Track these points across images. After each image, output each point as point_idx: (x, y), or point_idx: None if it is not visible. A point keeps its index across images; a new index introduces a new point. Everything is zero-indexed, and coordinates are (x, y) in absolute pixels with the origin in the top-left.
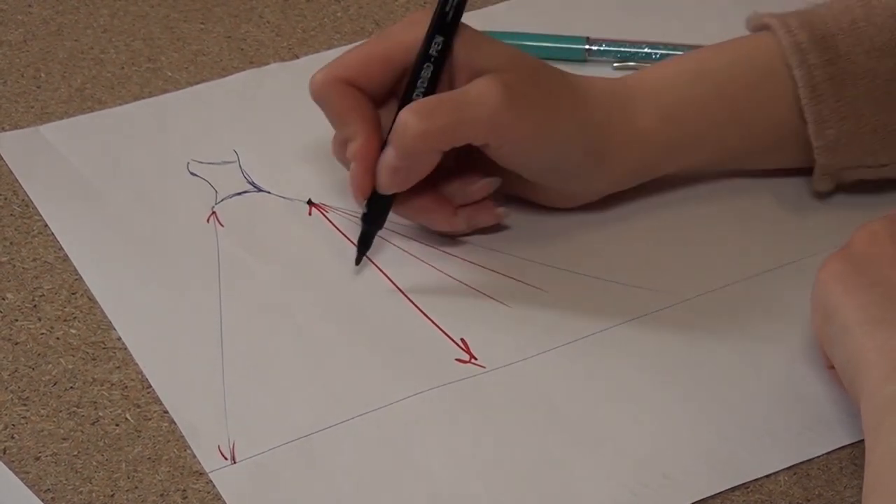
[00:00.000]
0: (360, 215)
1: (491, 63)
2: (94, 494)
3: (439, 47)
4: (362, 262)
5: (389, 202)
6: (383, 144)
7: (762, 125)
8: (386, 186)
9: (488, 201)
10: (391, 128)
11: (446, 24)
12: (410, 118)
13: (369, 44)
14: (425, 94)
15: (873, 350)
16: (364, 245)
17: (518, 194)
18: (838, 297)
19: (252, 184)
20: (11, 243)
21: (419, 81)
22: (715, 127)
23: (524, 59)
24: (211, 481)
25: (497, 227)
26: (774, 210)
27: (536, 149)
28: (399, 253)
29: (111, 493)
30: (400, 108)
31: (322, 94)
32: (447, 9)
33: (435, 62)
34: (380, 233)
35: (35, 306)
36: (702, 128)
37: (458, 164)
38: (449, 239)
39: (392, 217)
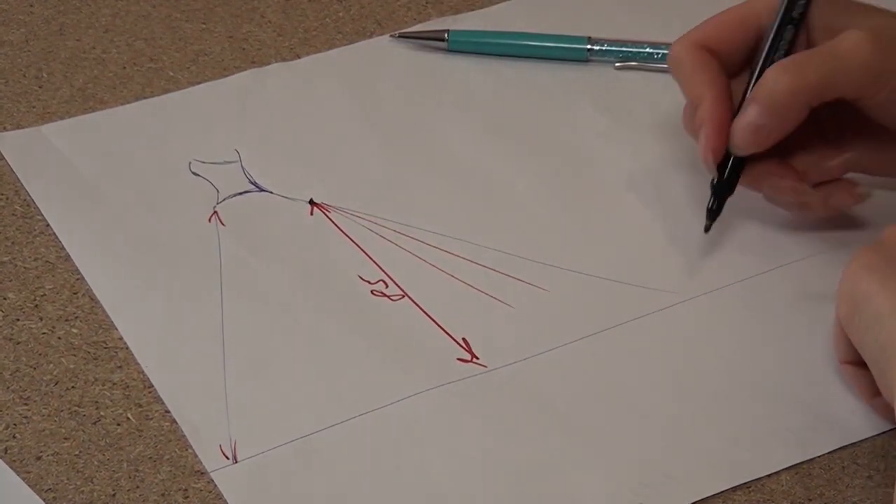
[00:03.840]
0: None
1: (853, 21)
2: (95, 494)
3: (802, 9)
4: (363, 261)
5: (740, 167)
6: (734, 113)
7: None
8: (745, 145)
9: (847, 181)
10: (743, 97)
11: None
12: (780, 73)
13: (726, 10)
14: (786, 56)
15: None
16: (715, 213)
17: (870, 172)
18: (871, 286)
19: (254, 183)
20: (13, 243)
21: (780, 43)
22: None
23: (886, 14)
24: (212, 481)
25: (497, 225)
26: (776, 210)
27: None
28: (400, 252)
29: (112, 492)
30: (755, 72)
31: (676, 58)
32: None
33: (796, 24)
34: (380, 232)
35: (36, 306)
36: None
37: (810, 139)
38: (450, 238)
39: (392, 215)
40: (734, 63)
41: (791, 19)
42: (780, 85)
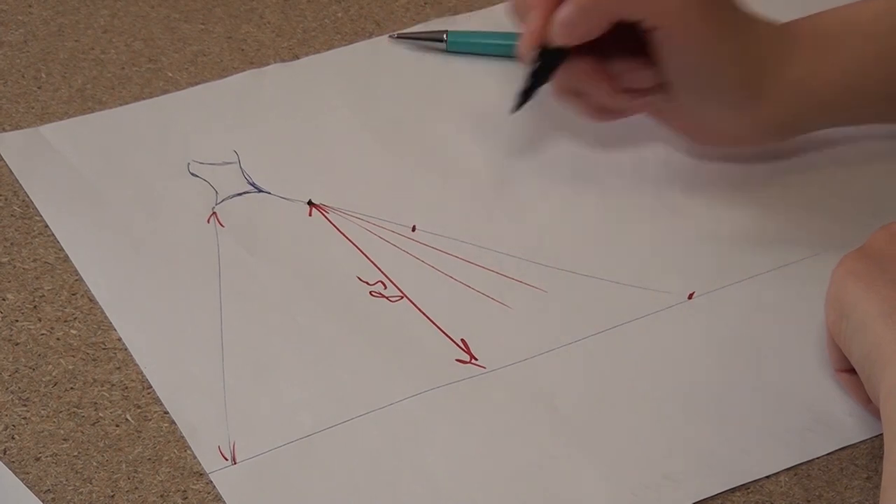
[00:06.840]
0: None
1: None
2: (94, 495)
3: None
4: (362, 262)
5: (559, 60)
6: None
7: None
8: (557, 36)
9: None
10: None
11: None
12: None
13: None
14: None
15: (894, 342)
16: (526, 96)
17: (666, 123)
18: (858, 292)
19: (252, 184)
20: (12, 244)
21: None
22: (869, 79)
23: None
24: (211, 482)
25: (495, 227)
26: (775, 211)
27: (702, 51)
28: (399, 253)
29: (111, 493)
30: None
31: None
32: None
33: None
34: (378, 233)
35: (35, 307)
36: (856, 83)
37: (629, 48)
38: (448, 240)
39: (391, 216)
40: None
41: None
42: None
